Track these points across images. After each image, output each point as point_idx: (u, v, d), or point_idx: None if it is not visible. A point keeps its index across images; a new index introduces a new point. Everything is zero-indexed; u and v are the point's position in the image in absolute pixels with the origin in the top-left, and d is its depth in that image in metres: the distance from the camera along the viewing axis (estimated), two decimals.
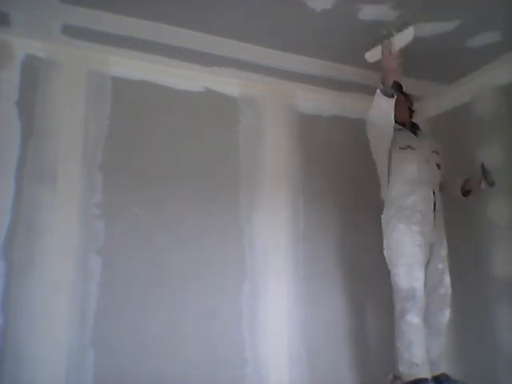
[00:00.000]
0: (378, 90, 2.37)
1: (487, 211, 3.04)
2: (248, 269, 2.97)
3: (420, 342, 2.40)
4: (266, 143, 3.19)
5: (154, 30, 2.60)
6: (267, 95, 3.26)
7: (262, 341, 2.91)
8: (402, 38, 2.34)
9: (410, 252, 2.49)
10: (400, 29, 2.36)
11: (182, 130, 2.99)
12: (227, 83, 3.14)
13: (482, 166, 2.67)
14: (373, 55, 2.49)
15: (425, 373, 2.37)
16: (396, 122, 2.65)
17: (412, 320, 2.40)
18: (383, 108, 2.39)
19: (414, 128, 2.80)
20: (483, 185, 2.69)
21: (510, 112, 2.97)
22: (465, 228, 3.15)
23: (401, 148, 2.60)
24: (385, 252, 2.59)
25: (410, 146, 2.61)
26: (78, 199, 2.65)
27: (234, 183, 3.05)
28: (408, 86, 3.22)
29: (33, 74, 2.69)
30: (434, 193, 2.63)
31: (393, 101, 2.37)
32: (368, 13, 2.48)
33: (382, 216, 2.65)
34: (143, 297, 2.69)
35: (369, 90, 3.31)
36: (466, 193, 2.78)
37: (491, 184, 2.66)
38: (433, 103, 3.55)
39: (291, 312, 3.02)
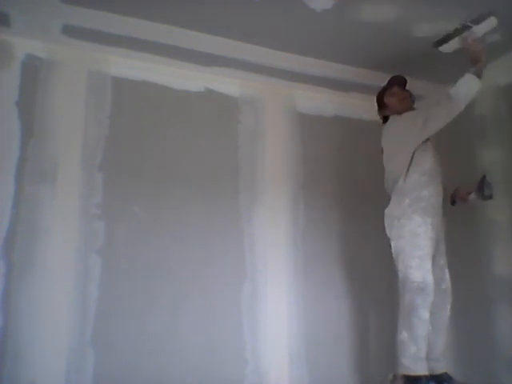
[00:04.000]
0: (468, 73, 2.42)
1: (487, 211, 3.04)
2: (248, 269, 2.97)
3: (426, 338, 2.40)
4: (266, 143, 3.19)
5: (154, 29, 2.60)
6: (267, 95, 3.25)
7: (262, 341, 2.91)
8: (484, 27, 2.46)
9: (425, 244, 2.47)
10: (476, 21, 2.46)
11: (182, 129, 2.99)
12: (227, 83, 3.14)
13: (484, 178, 2.59)
14: (449, 47, 2.58)
15: (425, 369, 2.38)
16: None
17: (423, 315, 2.39)
18: (470, 86, 2.43)
19: None
20: (472, 196, 2.63)
21: (510, 112, 2.97)
22: (465, 228, 3.15)
23: (422, 143, 2.59)
24: (393, 243, 2.55)
25: (428, 138, 2.61)
26: (78, 199, 2.65)
27: (233, 183, 3.05)
28: (408, 86, 3.22)
29: (33, 74, 2.69)
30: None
31: (480, 82, 2.42)
32: (368, 13, 2.48)
33: (392, 207, 2.58)
34: (143, 297, 2.69)
35: (369, 90, 3.32)
36: (453, 202, 2.75)
37: (487, 197, 2.58)
38: None
39: (291, 312, 3.02)
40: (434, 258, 2.55)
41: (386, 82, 2.82)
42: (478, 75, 2.43)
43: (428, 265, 2.46)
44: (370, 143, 2.75)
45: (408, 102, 2.74)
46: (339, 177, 3.34)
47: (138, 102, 2.91)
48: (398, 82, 2.78)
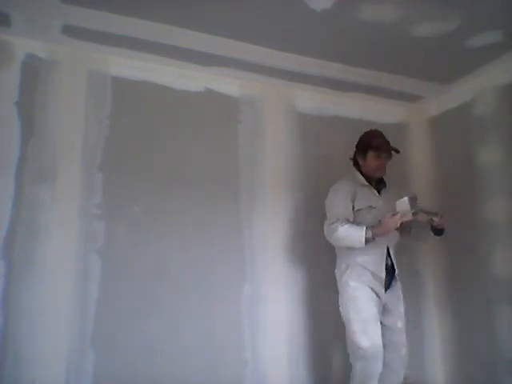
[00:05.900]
0: (365, 234, 2.34)
1: (487, 211, 3.04)
2: (248, 269, 2.97)
3: None
4: (266, 143, 3.19)
5: (154, 29, 2.60)
6: (267, 95, 3.26)
7: (262, 341, 2.91)
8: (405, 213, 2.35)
9: (366, 307, 2.41)
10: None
11: (182, 130, 2.99)
12: (227, 83, 3.14)
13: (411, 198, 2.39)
14: (401, 204, 2.38)
15: None
16: (365, 175, 2.62)
17: (375, 382, 2.35)
18: (354, 241, 2.37)
19: (380, 184, 2.67)
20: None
21: (510, 112, 2.97)
22: (465, 228, 3.15)
23: (358, 210, 2.51)
24: (340, 309, 2.51)
25: (370, 206, 2.53)
26: (78, 199, 2.65)
27: (234, 183, 3.05)
28: (408, 86, 3.23)
29: (33, 74, 2.69)
30: (389, 253, 2.53)
31: (363, 245, 2.35)
32: (368, 13, 2.47)
33: (336, 271, 2.60)
34: (143, 297, 2.69)
35: (369, 90, 3.32)
36: (438, 231, 2.56)
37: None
38: (433, 103, 3.56)
39: (291, 312, 3.02)
40: (387, 319, 2.50)
41: (382, 138, 2.62)
42: (369, 237, 2.33)
43: (374, 327, 2.39)
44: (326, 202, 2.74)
45: (381, 174, 2.63)
46: (339, 177, 3.33)
47: (137, 102, 2.91)
48: (392, 153, 2.62)
